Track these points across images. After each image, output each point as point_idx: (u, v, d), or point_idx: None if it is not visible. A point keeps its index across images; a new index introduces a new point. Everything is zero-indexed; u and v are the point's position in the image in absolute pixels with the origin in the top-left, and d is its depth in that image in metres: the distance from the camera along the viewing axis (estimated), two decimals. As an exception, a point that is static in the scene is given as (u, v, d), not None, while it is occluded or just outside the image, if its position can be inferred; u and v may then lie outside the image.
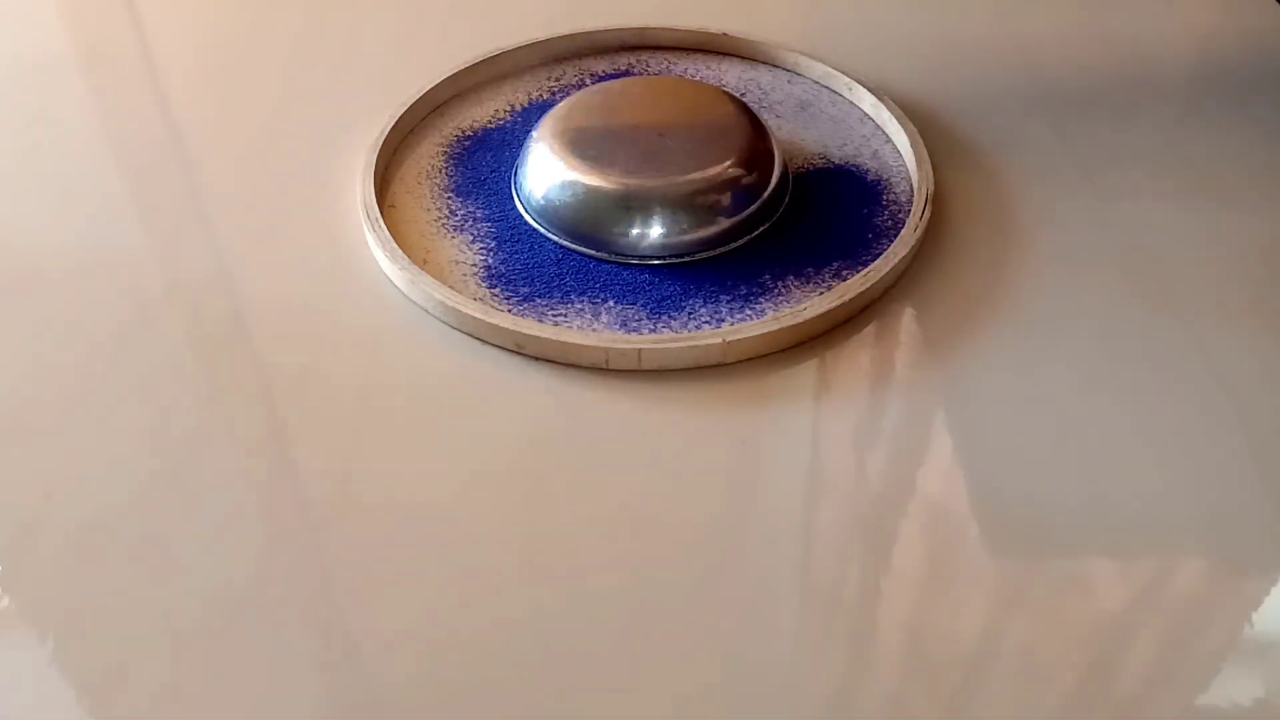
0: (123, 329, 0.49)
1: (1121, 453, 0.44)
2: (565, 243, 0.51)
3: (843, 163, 0.56)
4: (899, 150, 0.56)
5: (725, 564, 0.41)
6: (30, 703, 0.37)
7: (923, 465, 0.44)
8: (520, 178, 0.54)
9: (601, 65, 0.62)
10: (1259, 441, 0.44)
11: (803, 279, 0.50)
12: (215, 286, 0.51)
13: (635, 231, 0.50)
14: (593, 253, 0.51)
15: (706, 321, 0.48)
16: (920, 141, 0.55)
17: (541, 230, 0.52)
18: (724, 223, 0.51)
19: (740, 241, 0.51)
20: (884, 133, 0.57)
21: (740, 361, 0.47)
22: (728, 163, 0.51)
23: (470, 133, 0.58)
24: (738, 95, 0.57)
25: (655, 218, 0.50)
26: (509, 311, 0.48)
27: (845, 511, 0.42)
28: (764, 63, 0.62)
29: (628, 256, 0.50)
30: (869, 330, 0.48)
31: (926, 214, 0.51)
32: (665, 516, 0.42)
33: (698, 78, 0.61)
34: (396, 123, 0.56)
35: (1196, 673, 0.38)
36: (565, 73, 0.62)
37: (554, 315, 0.48)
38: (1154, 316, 0.49)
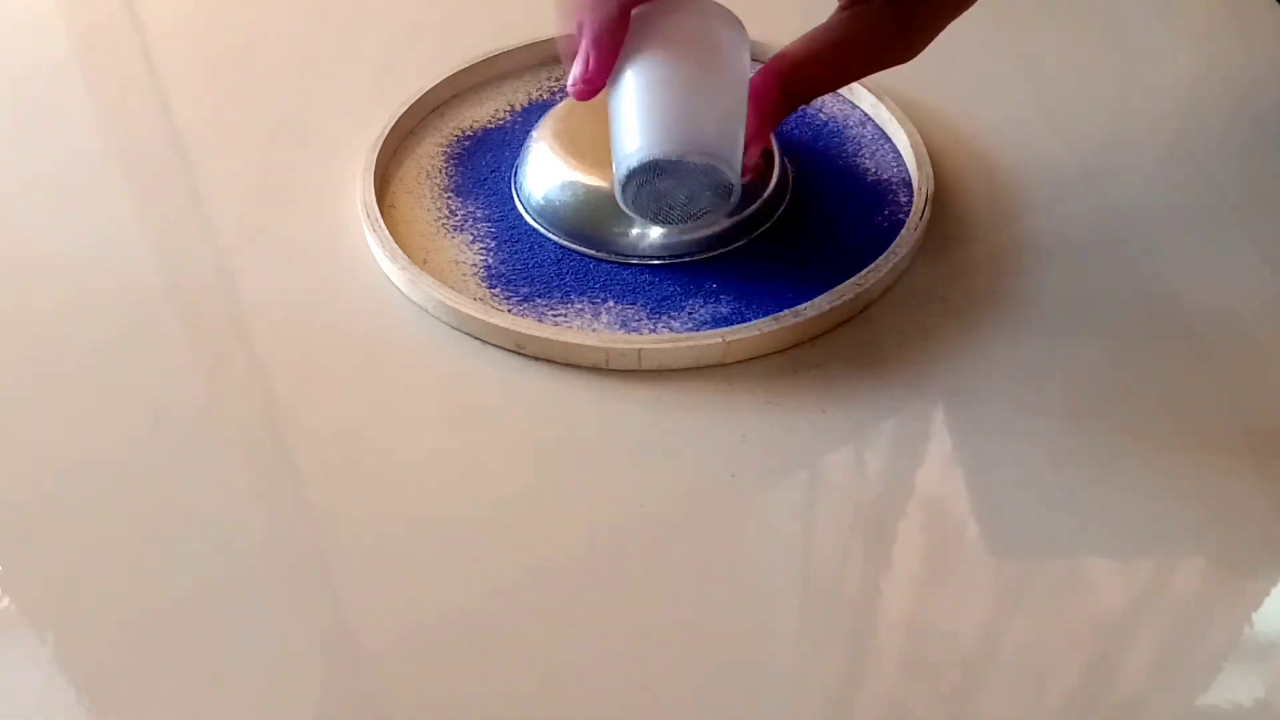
0: (123, 329, 0.49)
1: (1121, 452, 0.44)
2: (565, 243, 0.51)
3: (843, 163, 0.56)
4: (899, 150, 0.56)
5: (725, 564, 0.41)
6: (30, 703, 0.37)
7: (923, 465, 0.44)
8: (520, 178, 0.54)
9: (601, 65, 0.62)
10: (1259, 442, 0.44)
11: (803, 279, 0.50)
12: (215, 286, 0.51)
13: (635, 231, 0.50)
14: (593, 253, 0.51)
15: (706, 321, 0.48)
16: (920, 141, 0.55)
17: (541, 230, 0.52)
18: (724, 223, 0.51)
19: (740, 242, 0.51)
20: (884, 133, 0.57)
21: (740, 361, 0.47)
22: (728, 163, 0.51)
23: (470, 133, 0.58)
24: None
25: (655, 218, 0.50)
26: (509, 311, 0.48)
27: (845, 511, 0.42)
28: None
29: (628, 256, 0.50)
30: (869, 330, 0.48)
31: (926, 214, 0.51)
32: (665, 516, 0.42)
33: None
34: (396, 123, 0.56)
35: (1196, 673, 0.38)
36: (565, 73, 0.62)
37: (554, 315, 0.48)
38: (1155, 316, 0.49)
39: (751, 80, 0.45)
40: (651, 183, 0.43)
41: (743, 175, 0.44)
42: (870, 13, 0.45)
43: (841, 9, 0.46)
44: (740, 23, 0.45)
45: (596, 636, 0.39)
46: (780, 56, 0.46)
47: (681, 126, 0.42)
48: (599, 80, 0.43)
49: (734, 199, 0.44)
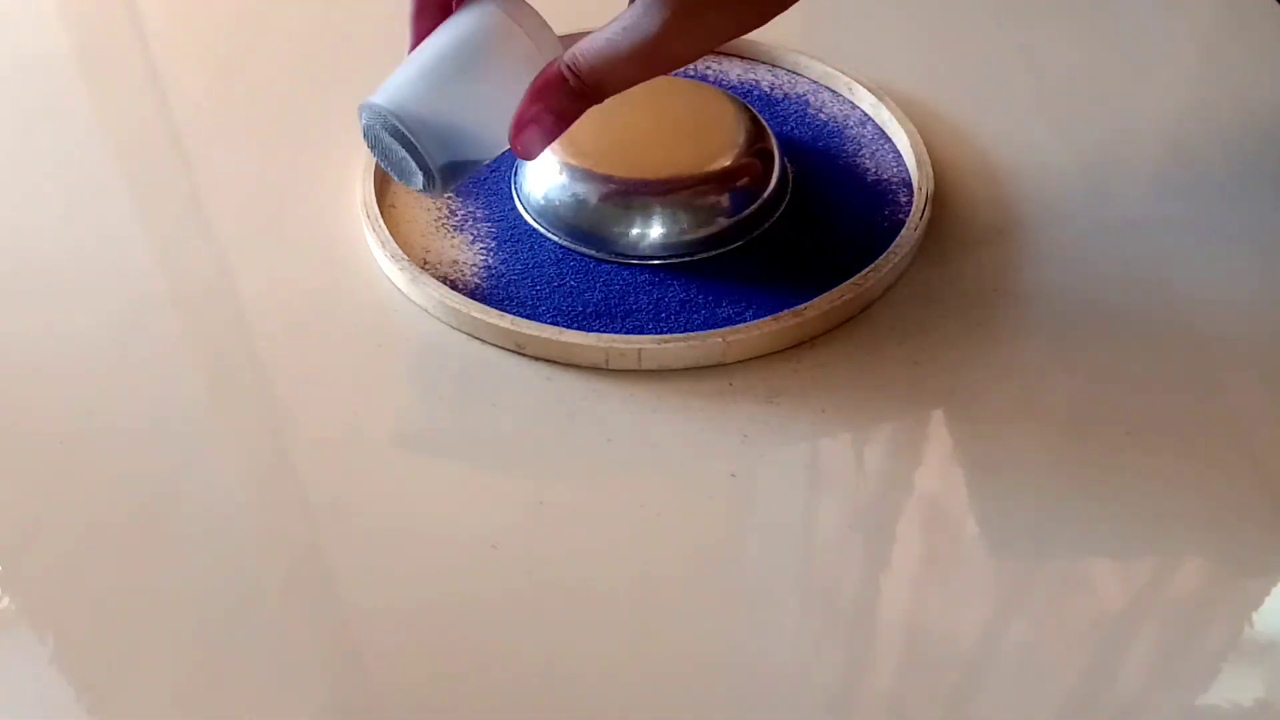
0: (123, 329, 0.49)
1: (1121, 452, 0.44)
2: (565, 243, 0.51)
3: (843, 163, 0.56)
4: (899, 150, 0.56)
5: (725, 564, 0.41)
6: (30, 703, 0.37)
7: (922, 465, 0.44)
8: (520, 178, 0.53)
9: (601, 65, 0.62)
10: (1259, 441, 0.44)
11: (803, 279, 0.50)
12: (215, 286, 0.51)
13: (635, 231, 0.50)
14: (593, 253, 0.51)
15: (706, 321, 0.48)
16: (920, 141, 0.55)
17: (541, 230, 0.52)
18: (724, 223, 0.51)
19: (740, 241, 0.51)
20: (884, 133, 0.57)
21: (740, 361, 0.47)
22: (728, 163, 0.51)
23: (470, 133, 0.58)
24: (738, 95, 0.57)
25: (655, 218, 0.50)
26: (509, 311, 0.48)
27: (845, 511, 0.43)
28: (764, 62, 0.62)
29: (628, 257, 0.50)
30: (869, 330, 0.48)
31: (926, 214, 0.51)
32: (665, 516, 0.42)
33: (698, 77, 0.61)
34: (396, 123, 0.56)
35: (1196, 673, 0.38)
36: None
37: (554, 315, 0.48)
38: (1154, 316, 0.49)
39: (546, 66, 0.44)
40: (376, 132, 0.45)
41: (526, 155, 0.45)
42: (651, 11, 0.43)
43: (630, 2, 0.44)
44: (533, 12, 0.45)
45: (595, 635, 0.39)
46: (575, 46, 0.45)
47: (403, 88, 0.45)
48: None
49: (435, 171, 0.44)
